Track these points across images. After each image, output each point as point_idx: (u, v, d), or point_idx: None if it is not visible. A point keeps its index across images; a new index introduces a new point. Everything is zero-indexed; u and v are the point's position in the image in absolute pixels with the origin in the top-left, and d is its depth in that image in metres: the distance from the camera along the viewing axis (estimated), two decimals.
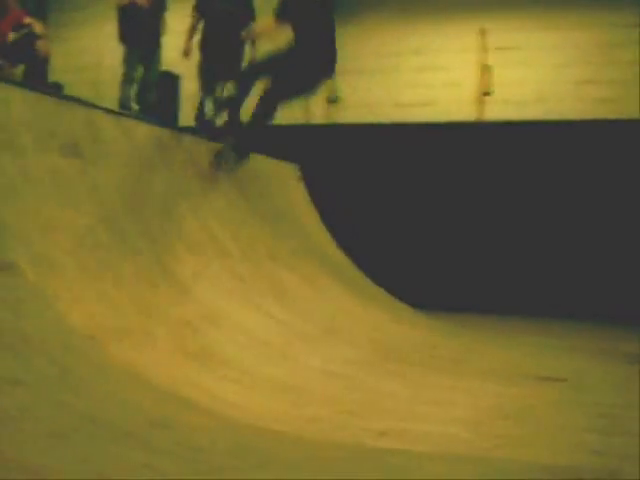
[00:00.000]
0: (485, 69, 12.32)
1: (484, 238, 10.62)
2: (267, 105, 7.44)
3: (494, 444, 3.66)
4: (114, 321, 4.22)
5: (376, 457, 3.31)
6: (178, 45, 8.83)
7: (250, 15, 8.88)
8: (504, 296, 10.32)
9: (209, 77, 8.87)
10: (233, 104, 8.90)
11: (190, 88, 9.25)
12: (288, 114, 12.59)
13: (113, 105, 9.09)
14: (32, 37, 7.06)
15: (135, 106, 8.76)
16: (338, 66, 12.91)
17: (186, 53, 8.77)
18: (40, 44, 7.02)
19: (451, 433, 3.84)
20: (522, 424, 4.13)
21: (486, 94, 12.28)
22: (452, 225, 10.77)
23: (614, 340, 7.98)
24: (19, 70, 7.13)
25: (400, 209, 10.99)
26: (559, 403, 4.75)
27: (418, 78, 12.70)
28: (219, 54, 8.68)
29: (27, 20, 7.22)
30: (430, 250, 10.75)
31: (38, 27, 7.18)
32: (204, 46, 8.84)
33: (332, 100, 13.02)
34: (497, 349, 7.02)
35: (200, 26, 8.88)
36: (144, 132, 6.38)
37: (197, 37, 8.93)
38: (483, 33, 12.39)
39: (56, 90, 5.98)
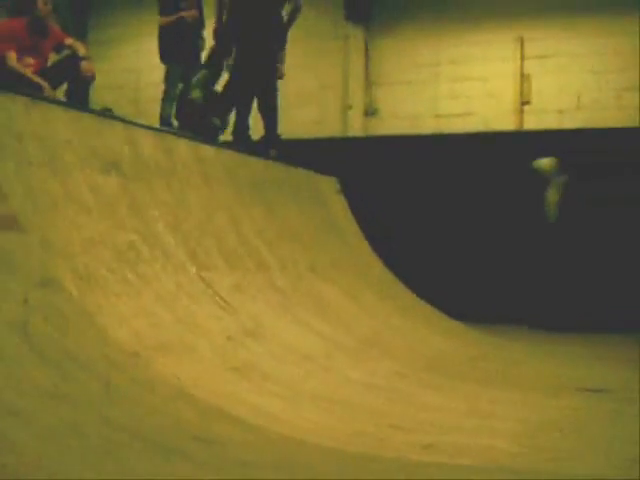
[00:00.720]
0: (524, 78, 12.26)
1: (523, 249, 10.50)
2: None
3: (542, 457, 3.60)
4: (157, 336, 4.24)
5: (421, 471, 3.28)
6: None
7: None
8: (540, 307, 10.18)
9: (243, 93, 8.88)
10: (269, 118, 8.99)
11: None
12: (326, 127, 12.71)
13: (153, 122, 9.20)
14: (75, 59, 7.11)
15: (175, 122, 8.86)
16: (376, 78, 13.08)
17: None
18: (84, 65, 7.06)
19: (497, 446, 3.78)
20: (570, 437, 4.06)
21: (525, 103, 12.22)
22: (492, 236, 10.66)
23: None
24: (60, 91, 7.18)
25: (440, 220, 10.91)
26: (607, 415, 4.67)
27: (456, 88, 12.67)
28: (252, 70, 8.69)
29: (69, 41, 7.29)
30: (470, 261, 10.66)
31: (81, 48, 7.23)
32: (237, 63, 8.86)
33: (370, 112, 13.04)
34: (539, 360, 6.94)
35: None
36: (183, 148, 6.42)
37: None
38: (521, 42, 12.33)
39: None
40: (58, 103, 5.13)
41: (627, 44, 11.73)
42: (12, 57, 6.75)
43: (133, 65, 14.66)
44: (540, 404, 4.88)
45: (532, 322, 9.84)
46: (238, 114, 8.89)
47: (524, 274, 10.31)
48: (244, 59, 8.54)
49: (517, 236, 10.49)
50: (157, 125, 7.98)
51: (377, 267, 9.15)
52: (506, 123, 12.24)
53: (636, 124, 11.15)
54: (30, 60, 6.95)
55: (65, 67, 7.10)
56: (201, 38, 8.95)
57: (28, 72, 6.71)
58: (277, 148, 9.03)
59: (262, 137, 9.08)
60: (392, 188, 11.12)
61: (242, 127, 8.88)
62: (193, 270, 5.21)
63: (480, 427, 4.18)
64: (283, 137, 9.35)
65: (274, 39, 8.51)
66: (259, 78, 8.63)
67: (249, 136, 8.97)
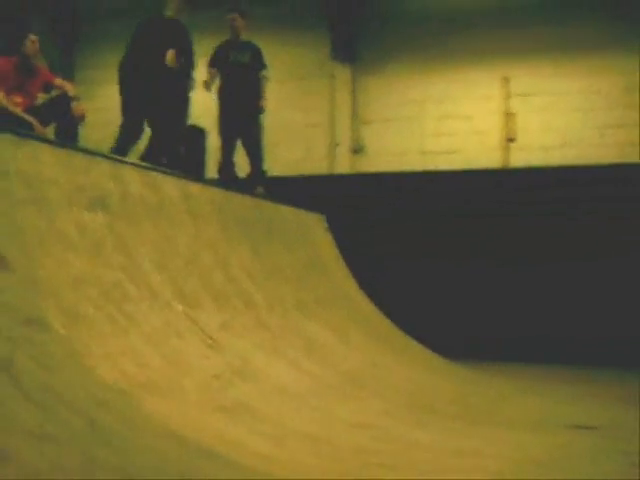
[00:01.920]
0: (509, 116, 12.38)
1: (511, 286, 10.53)
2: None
3: None
4: (144, 375, 4.20)
5: None
6: (202, 99, 8.99)
7: (261, 67, 9.23)
8: (530, 344, 10.20)
9: (229, 129, 9.09)
10: (253, 155, 9.13)
11: (215, 141, 9.39)
12: (313, 164, 12.77)
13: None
14: (65, 99, 7.15)
15: (163, 160, 8.89)
16: (362, 115, 13.15)
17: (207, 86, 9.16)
18: (75, 106, 7.11)
19: None
20: (554, 473, 4.05)
21: (510, 141, 12.33)
22: (479, 272, 10.69)
23: None
24: (49, 130, 7.20)
25: (426, 256, 10.94)
26: (591, 452, 4.65)
27: (442, 126, 12.77)
28: (236, 106, 8.97)
29: (58, 81, 7.33)
30: (458, 298, 10.67)
31: (70, 89, 7.27)
32: (222, 99, 9.11)
33: (357, 150, 13.12)
34: (528, 398, 6.92)
35: (217, 80, 9.19)
36: (170, 185, 6.42)
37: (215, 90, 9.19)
38: (506, 80, 12.46)
39: None
40: (45, 141, 5.12)
41: (609, 82, 11.90)
42: (0, 95, 6.77)
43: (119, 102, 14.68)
44: (525, 442, 4.86)
45: (520, 357, 9.84)
46: (222, 151, 9.07)
47: (511, 309, 10.33)
48: (224, 100, 8.91)
49: (502, 271, 10.53)
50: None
51: (364, 304, 9.13)
52: (492, 160, 12.33)
53: (619, 160, 11.26)
54: (18, 99, 6.98)
55: (55, 107, 7.13)
56: (190, 78, 9.07)
57: (18, 110, 6.73)
58: (264, 185, 9.14)
59: (248, 174, 9.22)
60: (379, 224, 11.16)
61: (227, 164, 9.01)
62: (180, 308, 5.18)
63: (468, 465, 4.16)
64: (270, 174, 9.44)
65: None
66: (240, 115, 8.94)
67: (234, 173, 9.10)
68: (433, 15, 13.09)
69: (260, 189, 9.09)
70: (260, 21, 9.96)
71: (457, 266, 10.80)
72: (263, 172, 9.35)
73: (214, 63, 9.30)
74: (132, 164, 6.14)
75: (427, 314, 10.44)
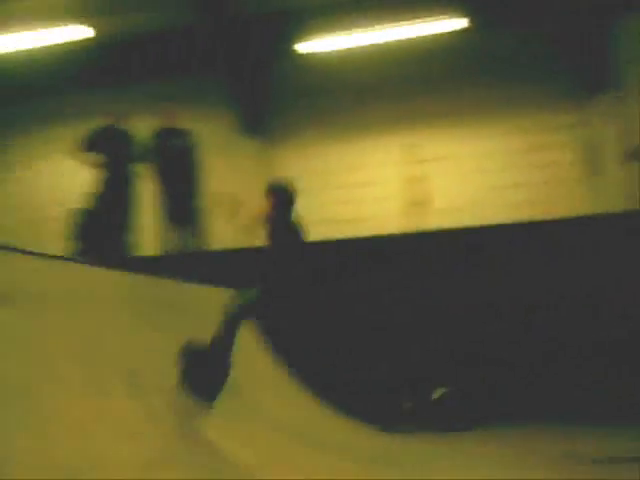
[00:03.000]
0: (414, 181, 12.64)
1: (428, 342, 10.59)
2: None
3: None
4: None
5: None
6: None
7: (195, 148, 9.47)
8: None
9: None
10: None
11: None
12: (224, 239, 12.77)
13: (53, 241, 9.26)
14: None
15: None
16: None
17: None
18: None
19: None
20: None
21: (416, 205, 12.56)
22: (402, 337, 10.72)
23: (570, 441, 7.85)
24: None
25: (340, 329, 10.96)
26: None
27: (348, 194, 12.97)
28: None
29: None
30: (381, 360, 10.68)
31: None
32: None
33: None
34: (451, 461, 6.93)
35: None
36: (76, 272, 6.41)
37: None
38: (410, 146, 12.77)
39: None
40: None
41: (512, 143, 12.32)
42: None
43: (28, 188, 14.61)
44: None
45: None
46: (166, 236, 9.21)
47: (435, 369, 10.37)
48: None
49: (427, 335, 10.59)
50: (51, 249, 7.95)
51: (284, 380, 9.06)
52: (400, 226, 12.55)
53: (521, 218, 11.57)
54: None
55: None
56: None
57: None
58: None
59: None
60: (290, 295, 11.15)
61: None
62: (94, 399, 5.14)
63: None
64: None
65: None
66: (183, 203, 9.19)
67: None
68: (335, 87, 13.42)
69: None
70: (167, 99, 10.11)
71: (375, 335, 10.83)
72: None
73: (153, 149, 9.44)
74: (38, 254, 6.11)
75: (350, 378, 10.40)
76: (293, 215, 6.64)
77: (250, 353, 9.07)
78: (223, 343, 6.19)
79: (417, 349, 10.60)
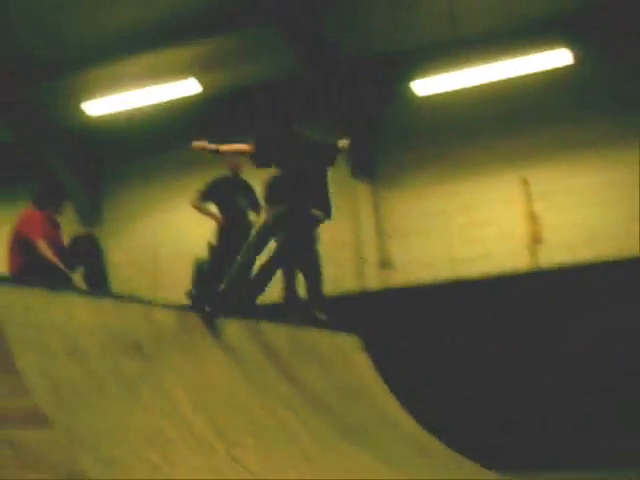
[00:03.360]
0: (532, 217, 12.38)
1: (551, 392, 10.25)
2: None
3: None
4: None
5: None
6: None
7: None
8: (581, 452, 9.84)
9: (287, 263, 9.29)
10: (313, 282, 9.30)
11: None
12: (341, 284, 12.74)
13: (172, 294, 9.38)
14: (88, 240, 7.35)
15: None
16: (387, 230, 13.25)
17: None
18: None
19: None
20: None
21: (537, 241, 12.29)
22: (518, 380, 10.44)
23: None
24: (78, 274, 7.35)
25: (465, 367, 10.75)
26: None
27: (468, 232, 12.79)
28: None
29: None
30: (500, 408, 10.41)
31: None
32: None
33: (385, 264, 13.13)
34: None
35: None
36: (202, 322, 6.44)
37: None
38: (525, 182, 12.53)
39: None
40: (76, 290, 5.17)
41: (628, 176, 11.91)
42: (43, 244, 6.98)
43: (150, 240, 14.98)
44: None
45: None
46: (285, 281, 9.20)
47: (555, 418, 10.03)
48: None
49: (540, 378, 10.27)
50: (175, 299, 8.05)
51: (408, 424, 8.91)
52: (520, 263, 12.27)
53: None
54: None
55: (80, 250, 7.36)
56: None
57: (55, 259, 6.89)
58: (325, 310, 9.23)
59: (308, 300, 9.31)
60: (414, 338, 11.03)
61: (291, 293, 9.15)
62: (222, 448, 5.09)
63: None
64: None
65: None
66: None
67: (299, 301, 9.23)
68: (447, 126, 13.30)
69: (323, 315, 9.21)
70: None
71: (495, 374, 10.57)
72: (323, 297, 9.47)
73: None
74: (163, 305, 6.18)
75: (473, 427, 10.18)
76: None
77: (374, 394, 8.96)
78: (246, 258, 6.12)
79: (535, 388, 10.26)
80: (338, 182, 13.81)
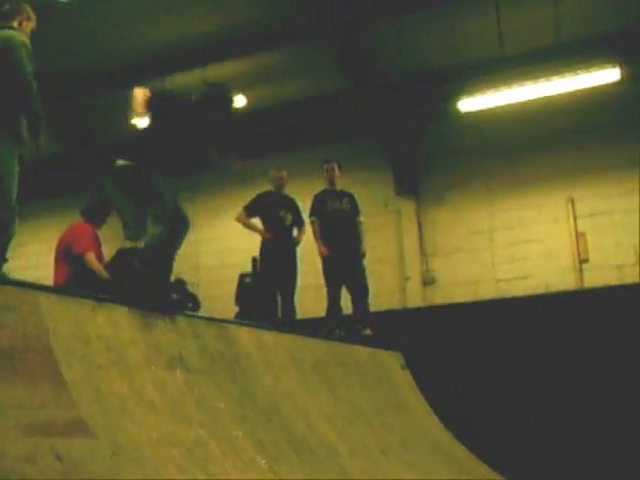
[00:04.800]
0: (578, 236, 12.25)
1: (597, 415, 10.07)
2: None
3: None
4: None
5: None
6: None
7: (358, 213, 9.56)
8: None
9: (335, 274, 9.34)
10: (360, 299, 9.40)
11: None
12: (384, 300, 12.71)
13: (212, 304, 9.43)
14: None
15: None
16: (430, 248, 13.24)
17: (322, 254, 9.54)
18: None
19: None
20: None
21: (583, 261, 12.16)
22: (562, 401, 10.29)
23: None
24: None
25: (510, 387, 10.62)
26: None
27: (513, 252, 12.70)
28: (340, 252, 9.22)
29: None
30: (545, 430, 10.27)
31: None
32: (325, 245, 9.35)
33: (428, 282, 13.08)
34: None
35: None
36: (245, 336, 6.46)
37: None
38: (572, 201, 12.41)
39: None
40: (122, 303, 5.21)
41: None
42: (93, 258, 7.08)
43: (191, 252, 15.09)
44: None
45: None
46: (329, 296, 9.50)
47: (593, 438, 9.85)
48: (330, 251, 9.46)
49: (584, 398, 10.11)
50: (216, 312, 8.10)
51: (450, 443, 8.86)
52: (566, 283, 12.14)
53: None
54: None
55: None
56: None
57: (105, 273, 6.97)
58: (370, 327, 9.30)
59: (353, 317, 9.40)
60: (456, 357, 10.93)
61: (335, 309, 9.27)
62: (263, 463, 5.09)
63: None
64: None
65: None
66: (345, 261, 9.44)
67: (341, 317, 9.29)
68: (492, 144, 13.23)
69: (368, 331, 9.31)
70: (326, 163, 10.24)
71: (537, 395, 10.43)
72: (368, 313, 9.56)
73: (315, 212, 9.60)
74: (207, 319, 6.21)
75: (514, 446, 10.04)
76: None
77: (415, 411, 8.92)
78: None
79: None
80: (382, 199, 13.92)
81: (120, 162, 6.05)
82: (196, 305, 6.51)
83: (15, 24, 5.75)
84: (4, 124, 5.43)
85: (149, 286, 5.64)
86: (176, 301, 5.93)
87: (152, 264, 5.83)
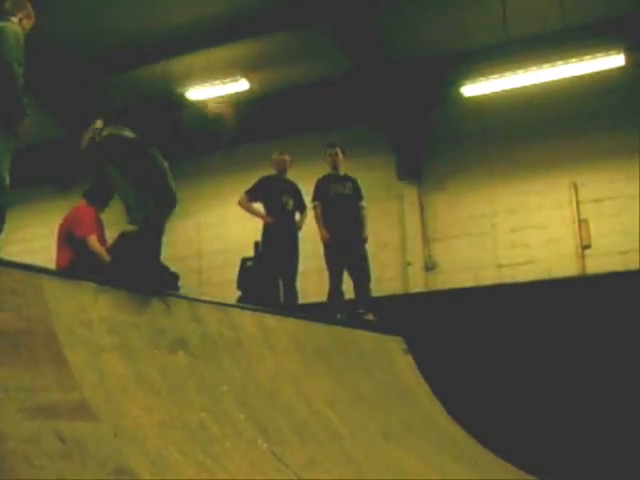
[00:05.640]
0: (582, 223, 12.23)
1: (596, 401, 10.07)
2: None
3: None
4: None
5: None
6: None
7: (360, 198, 9.56)
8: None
9: (336, 259, 9.35)
10: (362, 283, 9.40)
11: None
12: (386, 285, 12.73)
13: (215, 288, 9.44)
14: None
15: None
16: (433, 233, 13.24)
17: (323, 239, 9.54)
18: None
19: None
20: None
21: (586, 247, 12.15)
22: (564, 387, 10.30)
23: None
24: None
25: (512, 373, 10.63)
26: None
27: (515, 237, 12.69)
28: (342, 237, 9.23)
29: None
30: (545, 414, 10.28)
31: None
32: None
33: (430, 267, 13.08)
34: None
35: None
36: (248, 320, 6.47)
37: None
38: (575, 187, 12.39)
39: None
40: (124, 286, 5.22)
41: None
42: (94, 240, 7.08)
43: (194, 237, 15.13)
44: None
45: None
46: (330, 280, 9.57)
47: (601, 428, 9.85)
48: (332, 236, 9.50)
49: (584, 385, 10.11)
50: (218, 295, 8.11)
51: (451, 428, 8.88)
52: (568, 269, 12.13)
53: None
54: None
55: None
56: None
57: (106, 255, 6.94)
58: (372, 311, 9.33)
59: (355, 301, 9.42)
60: (459, 342, 10.94)
61: (336, 293, 9.31)
62: (265, 446, 5.11)
63: None
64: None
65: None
66: (346, 245, 9.49)
67: (343, 301, 9.31)
68: (495, 129, 13.23)
69: (370, 315, 9.34)
70: (329, 147, 10.22)
71: (539, 381, 10.44)
72: (370, 298, 9.59)
73: (317, 196, 9.60)
74: (209, 302, 6.21)
75: (516, 432, 10.06)
76: None
77: (417, 396, 8.94)
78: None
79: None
80: (384, 184, 13.90)
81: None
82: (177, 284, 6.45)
83: (15, 20, 5.84)
84: None
85: (142, 266, 5.63)
86: (167, 281, 5.91)
87: (145, 244, 5.81)
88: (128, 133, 5.65)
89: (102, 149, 5.71)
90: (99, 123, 5.77)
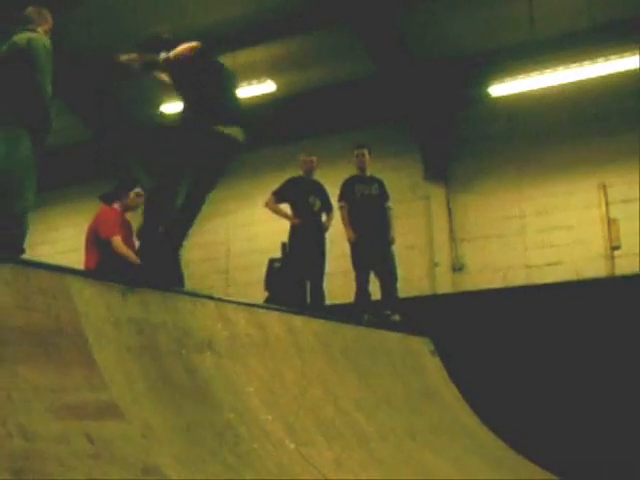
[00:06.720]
0: (610, 223, 12.13)
1: (626, 403, 9.97)
2: None
3: None
4: None
5: None
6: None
7: (386, 198, 9.56)
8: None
9: (363, 260, 9.36)
10: (389, 284, 9.42)
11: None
12: (413, 286, 12.70)
13: (241, 288, 9.46)
14: None
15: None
16: (460, 233, 13.17)
17: (350, 239, 9.57)
18: None
19: None
20: None
21: (615, 248, 12.04)
22: (593, 389, 10.20)
23: None
24: None
25: (540, 374, 10.56)
26: None
27: (544, 238, 12.60)
28: (369, 238, 9.24)
29: None
30: (576, 416, 10.20)
31: None
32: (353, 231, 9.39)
33: (457, 268, 13.03)
34: None
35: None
36: (274, 321, 6.48)
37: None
38: (604, 188, 12.28)
39: None
40: (152, 287, 5.25)
41: None
42: (119, 241, 7.09)
43: (223, 238, 15.21)
44: None
45: None
46: (358, 281, 9.41)
47: (624, 428, 9.75)
48: (359, 237, 9.51)
49: (614, 387, 10.02)
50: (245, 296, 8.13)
51: (478, 429, 8.84)
52: (597, 270, 12.03)
53: None
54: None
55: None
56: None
57: (132, 255, 6.95)
58: (399, 312, 9.31)
59: (382, 302, 9.42)
60: (486, 343, 10.88)
61: (363, 294, 9.27)
62: (292, 447, 5.12)
63: None
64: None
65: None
66: (373, 246, 9.50)
67: (370, 302, 9.32)
68: (523, 129, 13.14)
69: (396, 316, 9.34)
70: (352, 150, 10.22)
71: (570, 382, 10.35)
72: (397, 299, 9.58)
73: (343, 197, 9.61)
74: (236, 303, 6.23)
75: (543, 433, 9.99)
76: None
77: (444, 397, 8.91)
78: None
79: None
80: (410, 185, 13.88)
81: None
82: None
83: (41, 31, 5.95)
84: (22, 118, 5.60)
85: (161, 262, 5.68)
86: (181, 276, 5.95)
87: (168, 240, 5.86)
88: None
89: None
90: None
